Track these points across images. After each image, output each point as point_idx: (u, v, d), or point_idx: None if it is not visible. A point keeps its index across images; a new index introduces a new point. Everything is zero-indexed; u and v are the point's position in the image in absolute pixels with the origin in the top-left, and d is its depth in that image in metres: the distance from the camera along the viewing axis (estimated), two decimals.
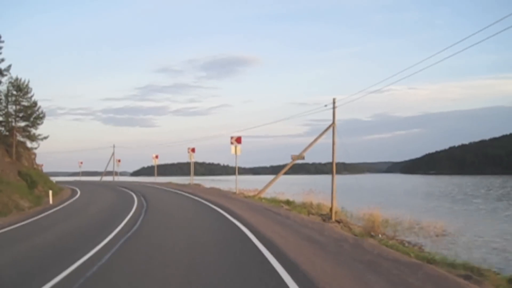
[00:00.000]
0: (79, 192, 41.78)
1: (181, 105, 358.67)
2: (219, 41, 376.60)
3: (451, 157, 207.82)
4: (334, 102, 33.48)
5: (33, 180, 36.79)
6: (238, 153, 33.46)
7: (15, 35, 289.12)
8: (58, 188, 45.61)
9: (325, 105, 33.98)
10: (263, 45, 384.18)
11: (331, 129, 31.89)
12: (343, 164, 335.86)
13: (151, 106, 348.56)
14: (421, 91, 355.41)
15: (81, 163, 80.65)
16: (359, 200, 38.32)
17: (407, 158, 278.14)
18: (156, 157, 59.89)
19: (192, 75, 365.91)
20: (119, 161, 77.23)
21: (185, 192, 36.82)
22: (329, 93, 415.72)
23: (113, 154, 79.95)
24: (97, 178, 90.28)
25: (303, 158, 33.90)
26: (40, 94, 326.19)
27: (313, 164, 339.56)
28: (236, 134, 33.96)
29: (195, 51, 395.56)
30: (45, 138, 42.96)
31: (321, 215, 33.31)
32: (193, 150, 48.18)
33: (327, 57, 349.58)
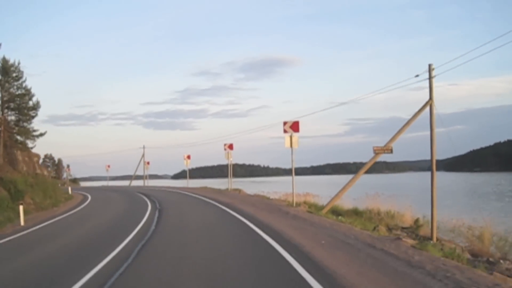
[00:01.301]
0: (83, 204, 31.46)
1: (220, 108, 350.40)
2: (257, 42, 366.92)
3: (497, 153, 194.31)
4: (430, 70, 22.25)
5: (18, 189, 26.73)
6: (295, 145, 22.24)
7: (54, 41, 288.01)
8: (64, 198, 35.69)
9: (417, 75, 22.66)
10: (301, 46, 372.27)
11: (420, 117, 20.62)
12: (385, 163, 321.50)
13: (191, 109, 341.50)
14: (463, 87, 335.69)
15: (109, 166, 71.26)
16: (426, 203, 29.92)
17: (449, 156, 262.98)
18: (188, 157, 49.35)
19: (230, 77, 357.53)
20: (148, 163, 67.18)
21: (220, 203, 25.78)
22: (369, 91, 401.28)
23: (143, 156, 70.02)
24: (127, 183, 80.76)
25: (390, 151, 22.50)
26: (81, 100, 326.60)
27: (354, 163, 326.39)
28: (292, 119, 22.54)
29: (233, 53, 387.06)
30: (42, 135, 32.92)
31: (403, 229, 23.12)
32: (230, 146, 37.28)
33: (366, 55, 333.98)
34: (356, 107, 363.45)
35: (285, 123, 22.43)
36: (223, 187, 49.64)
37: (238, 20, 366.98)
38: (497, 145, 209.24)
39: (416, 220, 23.88)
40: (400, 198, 29.37)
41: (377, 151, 22.35)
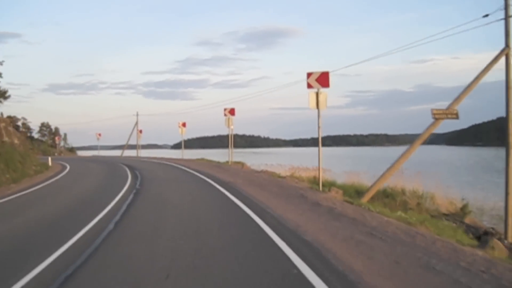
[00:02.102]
0: (52, 179, 25.15)
1: (221, 78, 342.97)
2: (259, 12, 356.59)
3: (500, 128, 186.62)
4: (507, 7, 15.96)
5: None
6: (323, 106, 15.71)
7: (54, 9, 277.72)
8: (34, 171, 29.36)
9: (486, 15, 16.31)
10: (303, 17, 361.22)
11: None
12: (386, 135, 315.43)
13: (191, 79, 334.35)
14: (465, 61, 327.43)
15: (100, 135, 64.68)
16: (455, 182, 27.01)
17: (451, 129, 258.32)
18: (183, 124, 42.81)
19: (232, 48, 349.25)
20: (140, 131, 60.78)
21: (219, 182, 19.42)
22: (371, 63, 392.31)
23: (136, 123, 63.50)
24: (128, 152, 74.38)
25: (455, 115, 16.10)
26: (82, 69, 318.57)
27: (355, 135, 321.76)
28: (320, 70, 15.80)
29: (234, 23, 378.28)
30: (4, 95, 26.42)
31: (444, 215, 17.52)
32: (232, 111, 30.80)
33: (368, 27, 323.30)
34: (357, 79, 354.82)
35: (309, 75, 15.79)
36: (222, 159, 43.46)
37: None
38: (500, 120, 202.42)
39: (464, 206, 18.35)
40: (426, 175, 23.45)
41: (437, 116, 16.00)
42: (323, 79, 16.16)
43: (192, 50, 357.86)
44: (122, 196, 15.10)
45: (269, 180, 19.64)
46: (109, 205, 12.80)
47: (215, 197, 14.61)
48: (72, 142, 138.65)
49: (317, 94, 15.93)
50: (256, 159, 58.72)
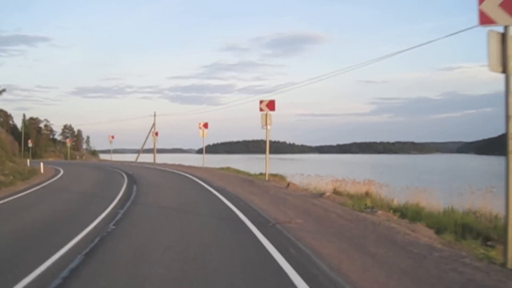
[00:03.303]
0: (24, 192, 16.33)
1: (247, 83, 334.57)
2: (286, 18, 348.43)
3: None
4: None
5: None
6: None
7: (82, 13, 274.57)
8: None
9: None
10: (330, 23, 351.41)
11: None
12: (413, 143, 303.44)
13: (217, 84, 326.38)
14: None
15: (112, 137, 56.12)
16: None
17: (479, 138, 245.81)
18: (205, 125, 33.90)
19: (258, 53, 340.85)
20: (156, 134, 51.99)
21: (262, 226, 10.13)
22: (397, 70, 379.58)
23: (153, 125, 54.69)
24: (142, 156, 65.77)
25: None
26: (110, 73, 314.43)
27: (381, 143, 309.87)
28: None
29: (261, 29, 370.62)
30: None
31: None
32: (270, 105, 21.42)
33: (394, 35, 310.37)
34: (383, 86, 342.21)
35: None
36: (251, 168, 34.42)
37: None
38: None
39: None
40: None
41: None
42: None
43: (218, 55, 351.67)
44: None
45: (349, 219, 10.30)
46: None
47: None
48: (95, 145, 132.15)
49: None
50: (285, 167, 49.71)
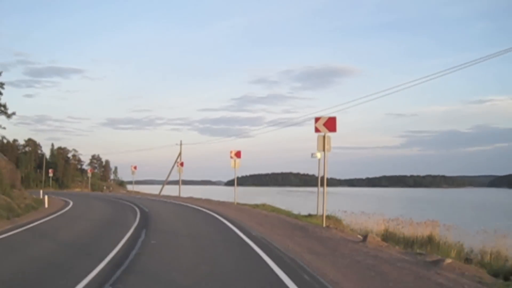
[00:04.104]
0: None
1: (276, 116, 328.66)
2: (315, 52, 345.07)
3: None
4: None
5: None
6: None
7: (114, 47, 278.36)
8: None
9: None
10: (359, 56, 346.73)
11: None
12: (443, 177, 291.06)
13: (247, 117, 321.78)
14: None
15: (135, 168, 50.44)
16: None
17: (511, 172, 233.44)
18: (237, 154, 27.83)
19: (287, 86, 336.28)
20: (181, 164, 46.20)
21: None
22: (427, 103, 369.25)
23: (179, 154, 49.01)
24: (169, 188, 60.16)
25: None
26: (141, 105, 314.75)
27: (411, 176, 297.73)
28: None
29: (290, 62, 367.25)
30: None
31: None
32: (330, 123, 15.14)
33: (425, 67, 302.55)
34: (413, 119, 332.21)
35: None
36: (289, 204, 28.40)
37: (297, 29, 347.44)
38: None
39: None
40: None
41: None
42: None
43: (248, 88, 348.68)
44: None
45: None
46: None
47: None
48: (124, 176, 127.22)
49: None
50: (315, 201, 43.28)
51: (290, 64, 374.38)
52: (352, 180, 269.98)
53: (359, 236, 14.12)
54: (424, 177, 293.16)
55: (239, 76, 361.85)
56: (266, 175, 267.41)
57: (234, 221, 16.94)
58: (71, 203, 29.99)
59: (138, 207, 25.94)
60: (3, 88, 31.10)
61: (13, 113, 34.41)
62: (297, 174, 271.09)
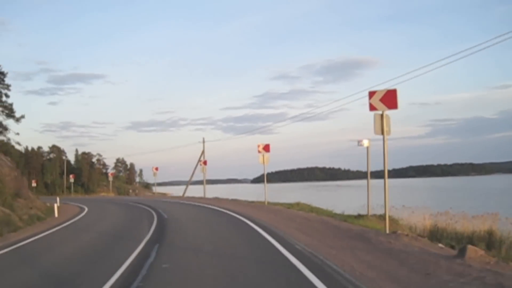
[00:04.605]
0: None
1: (299, 111, 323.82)
2: (335, 45, 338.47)
3: None
4: None
5: None
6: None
7: (134, 50, 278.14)
8: None
9: None
10: (379, 47, 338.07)
11: None
12: (471, 164, 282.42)
13: (269, 114, 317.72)
14: None
15: (156, 169, 47.33)
16: None
17: None
18: (266, 148, 24.34)
19: (309, 81, 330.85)
20: (204, 163, 42.73)
21: None
22: (450, 91, 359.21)
23: (202, 152, 45.58)
24: (195, 188, 56.95)
25: None
26: (163, 107, 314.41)
27: (438, 165, 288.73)
28: None
29: (311, 56, 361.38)
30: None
31: None
32: (388, 98, 11.28)
33: (446, 55, 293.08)
34: (437, 108, 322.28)
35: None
36: (324, 201, 24.84)
37: (316, 23, 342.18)
38: None
39: None
40: None
41: None
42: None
43: (270, 85, 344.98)
44: None
45: None
46: None
47: None
48: (149, 178, 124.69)
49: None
50: (353, 197, 39.63)
51: (309, 59, 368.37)
52: (379, 171, 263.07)
53: (440, 246, 10.37)
54: (451, 165, 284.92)
55: (260, 73, 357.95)
56: (292, 170, 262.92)
57: (269, 228, 13.33)
58: (85, 211, 26.96)
59: (157, 212, 22.62)
60: (9, 89, 28.19)
61: (22, 117, 31.67)
62: (323, 169, 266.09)
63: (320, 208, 20.61)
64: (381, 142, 11.83)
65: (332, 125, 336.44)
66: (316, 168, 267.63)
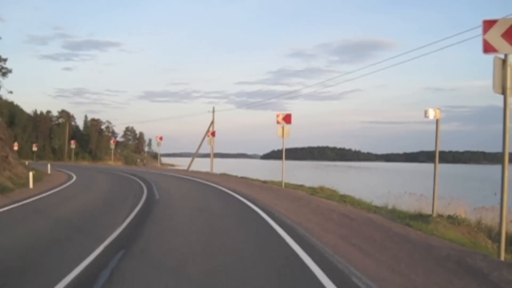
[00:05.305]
0: None
1: (313, 89, 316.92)
2: (353, 25, 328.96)
3: None
4: None
5: None
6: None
7: (151, 19, 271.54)
8: None
9: None
10: (397, 29, 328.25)
11: None
12: (483, 153, 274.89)
13: (283, 90, 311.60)
14: None
15: (161, 139, 43.00)
16: None
17: None
18: (286, 118, 19.53)
19: (324, 60, 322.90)
20: (212, 134, 38.13)
21: None
22: (466, 78, 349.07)
23: (211, 123, 40.74)
24: (203, 161, 52.52)
25: None
26: (177, 78, 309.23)
27: (450, 152, 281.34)
28: None
29: (328, 35, 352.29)
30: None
31: None
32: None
33: (465, 37, 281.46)
34: (451, 94, 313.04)
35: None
36: (345, 184, 20.29)
37: (334, 2, 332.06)
38: None
39: None
40: None
41: None
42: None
43: (285, 61, 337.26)
44: None
45: None
46: None
47: None
48: (159, 148, 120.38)
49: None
50: (363, 181, 34.73)
51: (327, 38, 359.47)
52: (389, 155, 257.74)
53: None
54: (463, 153, 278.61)
55: (276, 49, 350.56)
56: (302, 149, 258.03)
57: (297, 231, 8.61)
58: (72, 180, 22.66)
59: (150, 190, 18.09)
60: None
61: (9, 71, 27.17)
62: (333, 148, 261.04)
63: (352, 197, 15.86)
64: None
65: (345, 104, 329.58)
66: (327, 148, 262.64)
